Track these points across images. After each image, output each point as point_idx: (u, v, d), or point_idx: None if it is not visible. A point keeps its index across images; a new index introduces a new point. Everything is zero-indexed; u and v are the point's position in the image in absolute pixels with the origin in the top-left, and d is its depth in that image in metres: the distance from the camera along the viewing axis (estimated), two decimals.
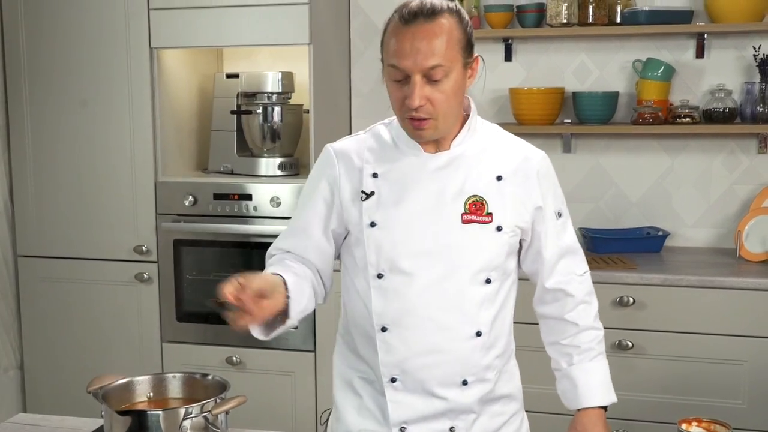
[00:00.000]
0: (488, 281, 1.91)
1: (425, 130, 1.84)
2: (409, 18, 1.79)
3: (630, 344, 3.28)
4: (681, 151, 3.76)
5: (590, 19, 3.63)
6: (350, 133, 3.94)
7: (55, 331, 3.86)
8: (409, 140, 1.91)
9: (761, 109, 3.54)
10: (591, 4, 3.61)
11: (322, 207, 1.96)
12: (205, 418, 1.65)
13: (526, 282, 2.07)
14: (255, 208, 3.56)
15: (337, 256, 2.02)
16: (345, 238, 1.97)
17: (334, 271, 2.03)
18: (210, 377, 1.82)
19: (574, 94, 3.72)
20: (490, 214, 1.89)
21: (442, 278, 1.87)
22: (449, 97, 1.82)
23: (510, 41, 3.85)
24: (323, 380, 3.55)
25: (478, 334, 1.90)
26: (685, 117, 3.59)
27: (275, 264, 1.96)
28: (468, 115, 1.97)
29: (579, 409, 2.02)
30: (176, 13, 3.54)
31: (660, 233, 3.70)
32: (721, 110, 3.58)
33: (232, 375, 3.49)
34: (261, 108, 3.70)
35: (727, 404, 3.21)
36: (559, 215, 2.01)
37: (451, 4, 1.86)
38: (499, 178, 1.92)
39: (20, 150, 3.79)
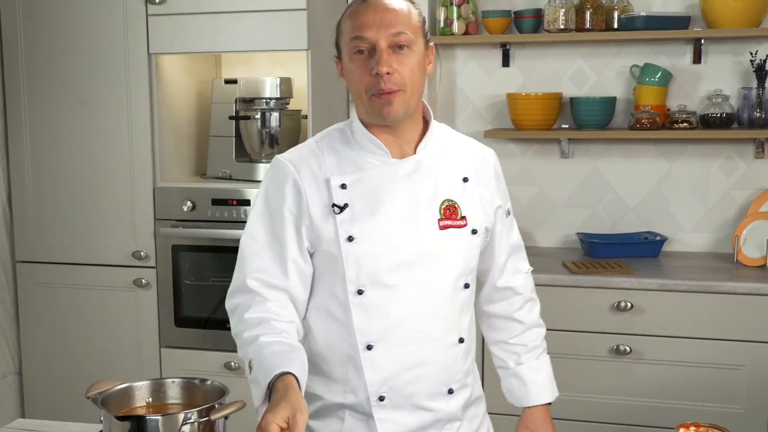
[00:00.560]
0: (467, 286, 1.90)
1: (395, 105, 1.77)
2: None
3: (628, 349, 3.28)
4: (678, 156, 3.77)
5: (587, 25, 3.64)
6: None
7: (53, 337, 3.86)
8: (372, 143, 1.84)
9: (758, 115, 3.55)
10: (588, 10, 3.63)
11: (292, 225, 1.82)
12: (204, 423, 1.65)
13: None
14: None
15: None
16: (313, 256, 1.85)
17: None
18: (209, 382, 1.82)
19: (572, 99, 3.73)
20: (464, 218, 1.87)
21: (424, 288, 1.83)
22: (415, 70, 1.78)
23: (507, 47, 3.86)
24: None
25: (461, 340, 1.89)
26: (682, 122, 3.60)
27: (268, 334, 1.74)
28: (427, 120, 1.92)
29: (528, 407, 2.07)
30: (174, 19, 3.54)
31: (657, 238, 3.71)
32: (719, 115, 3.59)
33: (231, 380, 3.48)
34: (259, 113, 3.71)
35: (725, 409, 3.22)
36: (508, 213, 2.02)
37: None
38: (465, 179, 1.90)
39: (18, 156, 3.80)
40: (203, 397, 1.79)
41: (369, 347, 1.82)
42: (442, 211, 1.85)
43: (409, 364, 1.84)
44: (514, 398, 2.08)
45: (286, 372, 1.64)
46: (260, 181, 3.65)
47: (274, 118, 3.72)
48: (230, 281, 3.56)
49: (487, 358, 2.15)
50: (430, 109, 1.93)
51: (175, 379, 1.85)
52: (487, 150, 2.00)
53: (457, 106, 3.95)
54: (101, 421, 1.72)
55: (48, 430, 2.08)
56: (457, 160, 1.92)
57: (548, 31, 3.69)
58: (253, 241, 1.85)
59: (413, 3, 1.84)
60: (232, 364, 3.61)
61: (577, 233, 3.83)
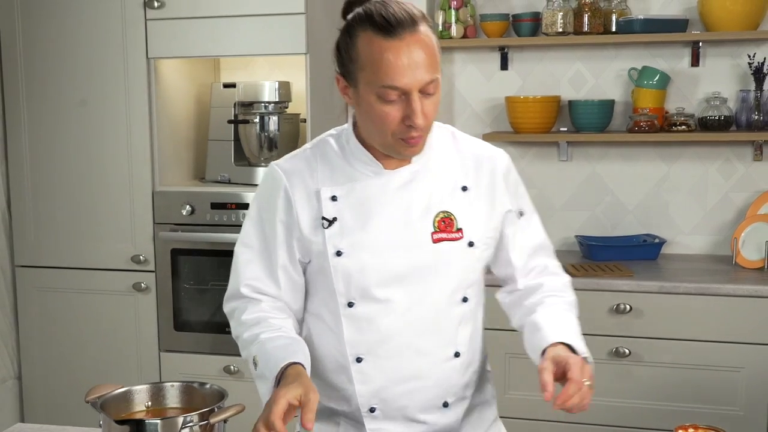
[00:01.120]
0: (465, 300, 1.82)
1: (419, 146, 1.73)
2: (389, 28, 1.64)
3: (627, 351, 3.29)
4: (677, 159, 3.78)
5: (586, 28, 3.65)
6: None
7: (53, 341, 3.86)
8: (365, 156, 1.79)
9: (756, 117, 3.56)
10: (586, 13, 3.63)
11: (282, 236, 1.80)
12: (203, 426, 1.65)
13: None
14: None
15: None
16: (306, 265, 1.83)
17: None
18: (208, 386, 1.82)
19: (570, 102, 3.74)
20: (460, 230, 1.78)
21: (416, 302, 1.77)
22: (437, 108, 1.72)
23: (506, 50, 3.86)
24: None
25: (457, 354, 1.82)
26: (680, 125, 3.61)
27: (268, 331, 1.76)
28: None
29: (547, 348, 1.75)
30: (173, 23, 3.55)
31: (656, 241, 3.71)
32: (717, 118, 3.60)
33: (230, 384, 3.48)
34: (258, 117, 3.71)
35: (724, 411, 3.22)
36: (521, 214, 1.91)
37: (418, 8, 1.73)
38: (464, 188, 1.81)
39: (18, 160, 3.80)
40: (202, 400, 1.79)
41: (359, 359, 1.79)
42: (437, 224, 1.78)
43: (401, 377, 1.80)
44: (532, 348, 1.81)
45: (292, 363, 1.66)
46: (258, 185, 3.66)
47: (273, 122, 3.72)
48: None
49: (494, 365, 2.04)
50: None
51: (175, 383, 1.85)
52: (497, 152, 1.91)
53: (455, 110, 3.95)
54: (100, 425, 1.72)
55: None
56: (457, 167, 1.84)
57: (546, 35, 3.70)
58: (245, 249, 1.85)
59: (428, 22, 1.71)
60: (232, 367, 3.61)
61: (576, 236, 3.83)
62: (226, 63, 4.08)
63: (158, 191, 3.67)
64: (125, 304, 3.74)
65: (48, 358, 3.87)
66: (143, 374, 3.70)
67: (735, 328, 3.20)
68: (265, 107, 3.71)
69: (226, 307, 1.90)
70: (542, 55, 3.87)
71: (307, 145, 1.89)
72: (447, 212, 1.79)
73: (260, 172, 3.70)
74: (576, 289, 1.99)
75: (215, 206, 3.60)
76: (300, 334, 1.84)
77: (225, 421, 1.69)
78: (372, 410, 1.82)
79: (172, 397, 1.83)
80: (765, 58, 3.55)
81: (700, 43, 3.67)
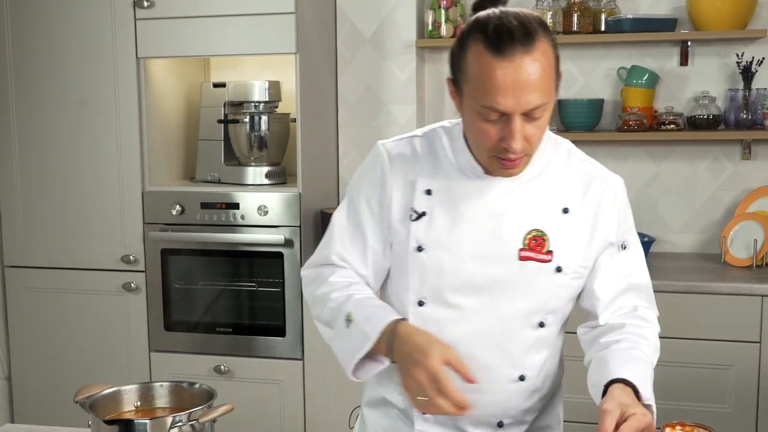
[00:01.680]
0: (542, 324, 1.73)
1: (517, 168, 1.65)
2: (500, 45, 1.53)
3: None
4: (666, 158, 3.79)
5: (575, 27, 3.66)
6: (337, 143, 3.98)
7: (42, 342, 3.85)
8: (469, 157, 1.71)
9: (745, 116, 3.57)
10: (576, 12, 3.64)
11: (378, 217, 1.76)
12: (192, 426, 1.65)
13: None
14: (242, 217, 3.56)
15: None
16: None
17: None
18: (197, 386, 1.82)
19: (560, 101, 3.74)
20: (550, 252, 1.69)
21: (488, 316, 1.71)
22: (543, 131, 1.63)
23: None
24: (311, 389, 3.56)
25: (522, 378, 1.75)
26: (669, 124, 3.62)
27: (362, 292, 1.74)
28: None
29: (609, 383, 1.64)
30: (163, 22, 3.54)
31: (646, 239, 3.72)
32: (705, 117, 3.61)
33: (221, 384, 3.49)
34: (248, 117, 3.71)
35: (713, 409, 3.23)
36: (623, 247, 1.78)
37: (536, 16, 1.60)
38: (565, 210, 1.71)
39: (6, 160, 3.79)
40: (191, 400, 1.79)
41: None
42: (527, 241, 1.69)
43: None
44: (593, 383, 1.70)
45: (399, 319, 1.65)
46: (248, 185, 3.68)
47: (263, 122, 3.72)
48: (219, 285, 3.57)
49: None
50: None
51: (164, 383, 1.85)
52: (614, 177, 1.79)
53: (445, 109, 3.95)
54: (89, 426, 1.72)
55: None
56: (563, 186, 1.73)
57: None
58: (342, 221, 1.81)
59: (548, 28, 1.60)
60: (222, 367, 3.60)
61: None
62: (215, 62, 4.08)
63: (148, 191, 3.66)
64: (115, 304, 3.74)
65: (38, 359, 3.87)
66: (133, 374, 3.70)
67: (724, 326, 3.21)
68: (255, 107, 3.71)
69: (311, 272, 1.84)
70: None
71: (417, 131, 1.82)
72: (540, 231, 1.70)
73: (250, 172, 3.70)
74: None
75: (205, 206, 3.60)
76: None
77: (214, 421, 1.69)
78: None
79: (161, 397, 1.83)
80: (753, 57, 3.56)
81: (689, 43, 3.68)
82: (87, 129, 3.68)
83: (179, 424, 1.64)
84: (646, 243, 3.70)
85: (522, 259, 1.69)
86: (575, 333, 1.88)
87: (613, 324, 1.79)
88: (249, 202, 3.55)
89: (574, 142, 3.83)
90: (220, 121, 3.78)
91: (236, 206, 3.56)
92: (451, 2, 3.77)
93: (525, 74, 1.52)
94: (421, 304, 1.73)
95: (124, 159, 3.66)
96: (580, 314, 1.90)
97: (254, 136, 3.73)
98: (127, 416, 1.76)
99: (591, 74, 3.83)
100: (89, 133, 3.68)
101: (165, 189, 3.68)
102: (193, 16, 3.51)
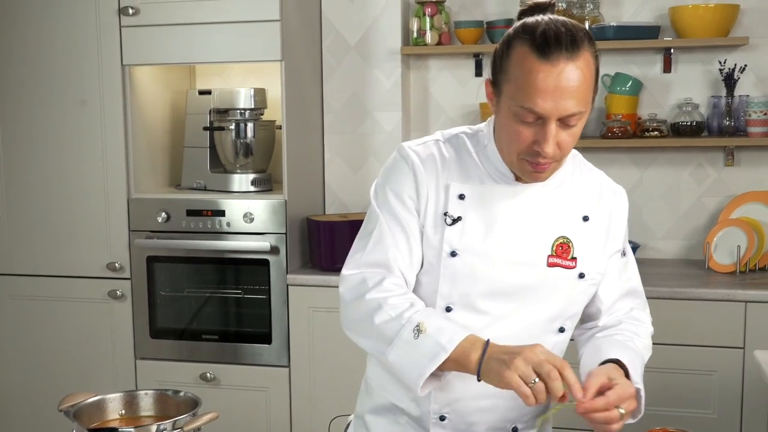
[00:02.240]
0: (562, 330, 1.77)
1: (545, 174, 1.66)
2: (546, 49, 1.55)
3: None
4: (650, 164, 3.81)
5: None
6: (322, 150, 3.98)
7: (27, 350, 3.84)
8: (500, 162, 1.72)
9: (727, 123, 3.60)
10: None
11: (416, 217, 1.72)
12: None
13: None
14: (228, 224, 3.56)
15: None
16: None
17: None
18: (182, 394, 1.82)
19: None
20: (574, 259, 1.73)
21: (514, 321, 1.72)
22: (575, 140, 1.63)
23: (480, 56, 3.88)
24: (297, 396, 3.56)
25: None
26: (653, 130, 3.64)
27: (423, 306, 1.68)
28: None
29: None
30: (148, 30, 3.54)
31: (630, 245, 3.73)
32: (689, 124, 3.63)
33: (207, 391, 3.49)
34: (233, 124, 3.71)
35: (697, 414, 3.24)
36: (623, 254, 1.85)
37: (583, 27, 1.61)
38: (585, 218, 1.75)
39: None
40: (176, 408, 1.79)
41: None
42: (555, 248, 1.72)
43: (480, 393, 1.71)
44: (585, 366, 1.74)
45: (474, 335, 1.59)
46: (234, 192, 3.67)
47: (249, 129, 3.72)
48: (205, 292, 3.55)
49: None
50: None
51: (148, 391, 1.85)
52: (618, 188, 1.84)
53: (430, 116, 3.97)
54: None
55: None
56: (582, 194, 1.77)
57: None
58: (385, 224, 1.73)
59: (592, 39, 1.61)
60: (208, 375, 3.60)
61: None
62: (201, 70, 4.08)
63: (134, 198, 3.66)
64: (101, 311, 3.73)
65: (22, 367, 3.85)
66: (119, 382, 3.69)
67: (708, 331, 3.23)
68: (241, 114, 3.71)
69: (355, 274, 1.73)
70: None
71: (437, 135, 1.80)
72: (567, 238, 1.73)
73: (236, 179, 3.70)
74: None
75: (191, 213, 3.60)
76: None
77: (198, 429, 1.69)
78: (442, 418, 1.77)
79: (146, 405, 1.84)
80: (736, 65, 3.59)
81: (672, 50, 3.70)
82: (72, 136, 3.68)
83: None
84: (631, 249, 3.71)
85: (550, 265, 1.72)
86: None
87: (610, 323, 1.86)
88: (235, 209, 3.55)
89: None
90: (205, 129, 3.78)
91: (222, 213, 3.56)
92: (435, 10, 3.78)
93: (566, 80, 1.54)
94: (448, 309, 1.72)
95: (109, 166, 3.66)
96: None
97: (240, 144, 3.73)
98: (112, 425, 1.77)
99: None
100: (75, 140, 3.68)
101: (150, 196, 3.68)
102: (178, 24, 3.51)
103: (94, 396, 1.80)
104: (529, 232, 1.71)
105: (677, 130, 3.66)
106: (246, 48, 3.49)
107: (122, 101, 3.61)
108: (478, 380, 1.56)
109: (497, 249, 1.70)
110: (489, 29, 3.81)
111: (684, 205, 3.80)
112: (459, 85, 3.95)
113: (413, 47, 3.82)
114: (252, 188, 3.68)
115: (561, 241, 1.72)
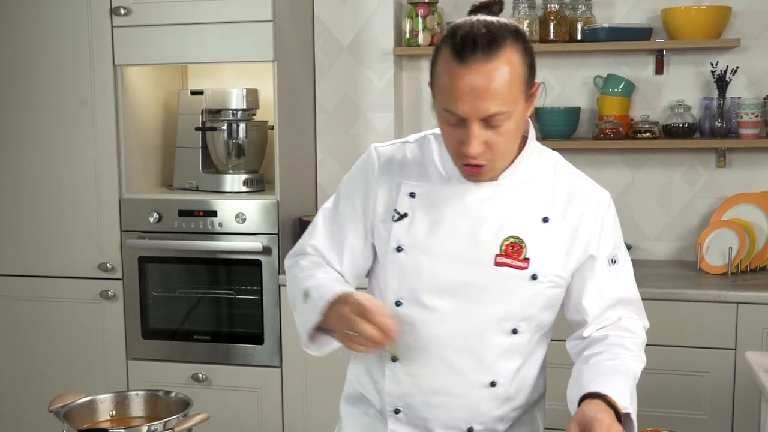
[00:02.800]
0: (515, 331, 1.75)
1: (482, 175, 1.69)
2: (463, 52, 1.57)
3: None
4: (642, 166, 3.81)
5: (551, 36, 3.68)
6: (315, 150, 3.97)
7: (18, 350, 3.83)
8: (452, 163, 1.75)
9: (719, 124, 3.61)
10: (552, 21, 3.66)
11: (360, 218, 1.82)
12: None
13: None
14: (220, 225, 3.56)
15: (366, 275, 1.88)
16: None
17: None
18: (173, 395, 1.82)
19: (537, 109, 3.76)
20: (527, 260, 1.71)
21: (461, 319, 1.73)
22: (509, 139, 1.65)
23: None
24: (289, 397, 3.55)
25: (493, 384, 1.76)
26: (645, 132, 3.65)
27: (327, 273, 1.81)
28: (525, 139, 1.76)
29: (583, 399, 1.64)
30: (140, 30, 3.54)
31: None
32: (681, 125, 3.64)
33: (198, 392, 3.48)
34: (226, 124, 3.70)
35: (689, 415, 3.25)
36: (613, 261, 1.81)
37: (511, 25, 1.63)
38: (545, 219, 1.73)
39: None
40: (167, 409, 1.79)
41: (394, 359, 1.78)
42: (504, 247, 1.71)
43: (429, 389, 1.77)
44: (570, 399, 1.71)
45: (348, 292, 1.68)
46: (226, 192, 3.67)
47: (241, 129, 3.71)
48: (197, 293, 3.58)
49: None
50: (531, 130, 1.79)
51: (139, 392, 1.85)
52: (598, 191, 1.80)
53: (423, 117, 3.97)
54: None
55: None
56: (546, 196, 1.75)
57: None
58: (327, 215, 1.88)
59: (522, 37, 1.63)
60: (200, 375, 3.59)
61: None
62: (193, 70, 4.07)
63: (125, 198, 3.65)
64: (92, 312, 3.72)
65: (13, 368, 3.84)
66: (110, 382, 3.68)
67: (699, 333, 3.23)
68: (233, 114, 3.70)
69: (289, 261, 1.91)
70: None
71: (410, 137, 1.88)
72: (518, 239, 1.72)
73: (228, 180, 3.70)
74: None
75: (183, 213, 3.60)
76: None
77: (189, 430, 1.69)
78: (397, 411, 1.81)
79: (137, 406, 1.83)
80: (728, 66, 3.60)
81: (664, 52, 3.71)
82: (64, 136, 3.67)
83: None
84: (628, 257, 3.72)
85: (498, 264, 1.72)
86: (558, 341, 1.92)
87: (597, 336, 1.81)
88: (227, 209, 3.55)
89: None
90: (197, 129, 3.77)
91: (214, 214, 3.56)
92: (428, 10, 3.78)
93: (483, 81, 1.57)
94: (398, 304, 1.76)
95: (101, 166, 3.65)
96: (563, 325, 1.92)
97: (232, 144, 3.72)
98: (103, 426, 1.76)
99: (567, 83, 3.85)
100: (66, 140, 3.67)
101: (142, 196, 3.67)
102: (170, 24, 3.51)
103: (85, 397, 1.79)
104: (476, 231, 1.72)
105: (669, 132, 3.66)
106: (238, 48, 3.49)
107: (114, 101, 3.61)
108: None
109: (441, 246, 1.73)
110: None
111: (676, 206, 3.81)
112: None
113: (406, 48, 3.82)
114: (244, 189, 3.68)
115: (512, 240, 1.72)
